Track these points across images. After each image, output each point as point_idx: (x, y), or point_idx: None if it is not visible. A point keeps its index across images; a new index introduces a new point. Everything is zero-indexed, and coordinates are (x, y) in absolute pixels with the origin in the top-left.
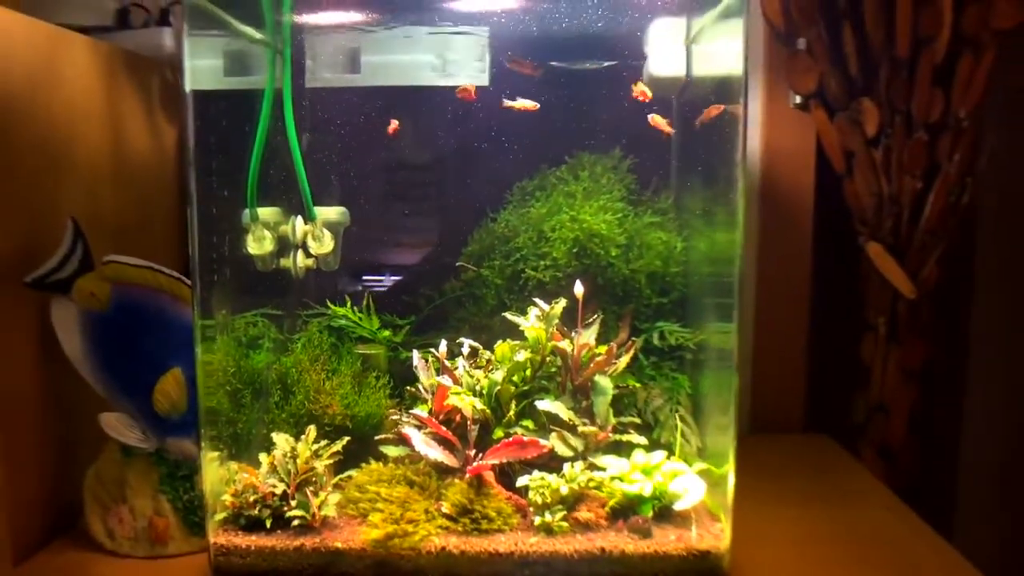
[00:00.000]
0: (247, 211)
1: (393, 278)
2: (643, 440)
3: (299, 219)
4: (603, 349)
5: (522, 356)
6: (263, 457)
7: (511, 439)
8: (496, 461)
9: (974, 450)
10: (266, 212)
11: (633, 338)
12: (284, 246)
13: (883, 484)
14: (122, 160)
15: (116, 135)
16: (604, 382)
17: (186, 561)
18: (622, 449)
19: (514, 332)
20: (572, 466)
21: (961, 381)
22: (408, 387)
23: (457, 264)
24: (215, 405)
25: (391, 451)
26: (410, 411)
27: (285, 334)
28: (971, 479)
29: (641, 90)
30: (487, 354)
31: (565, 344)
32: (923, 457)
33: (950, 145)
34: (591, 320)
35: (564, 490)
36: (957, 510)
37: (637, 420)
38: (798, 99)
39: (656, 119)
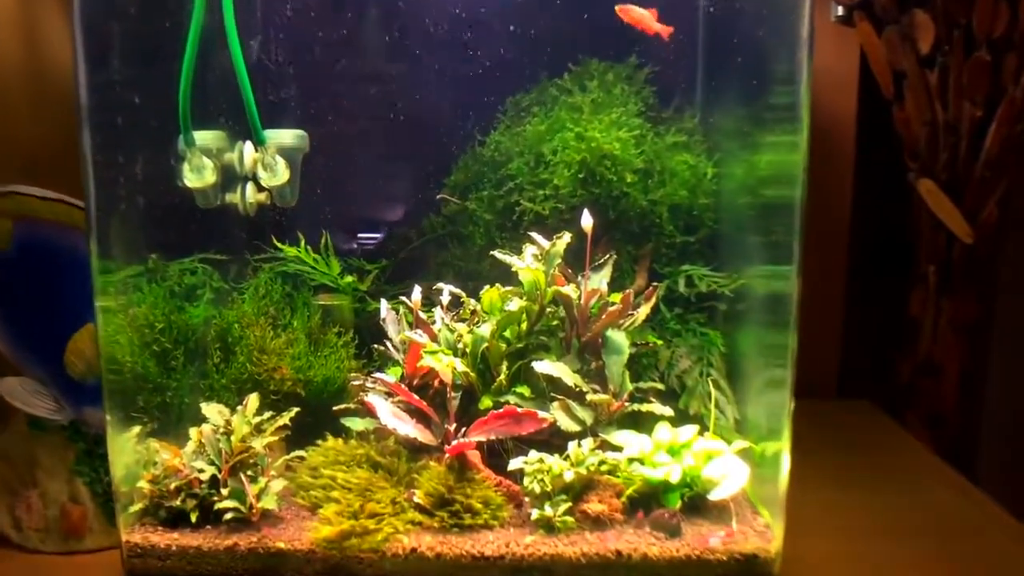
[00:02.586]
0: (181, 135)
1: (362, 216)
2: (668, 411)
3: (247, 145)
4: (617, 297)
5: (515, 305)
6: (192, 432)
7: (502, 410)
8: (483, 438)
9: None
10: (206, 137)
11: (654, 283)
12: (230, 178)
13: (944, 461)
14: (40, 77)
15: (33, 48)
16: (618, 338)
17: (104, 559)
18: (641, 422)
19: (507, 277)
20: (579, 445)
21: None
22: (376, 345)
23: (438, 196)
24: (140, 369)
25: (354, 424)
26: (376, 375)
27: (230, 283)
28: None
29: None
30: (472, 303)
31: (570, 290)
32: (974, 423)
33: (1016, 65)
34: (602, 261)
35: (569, 475)
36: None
37: (660, 386)
38: (840, 11)
39: (627, 9)
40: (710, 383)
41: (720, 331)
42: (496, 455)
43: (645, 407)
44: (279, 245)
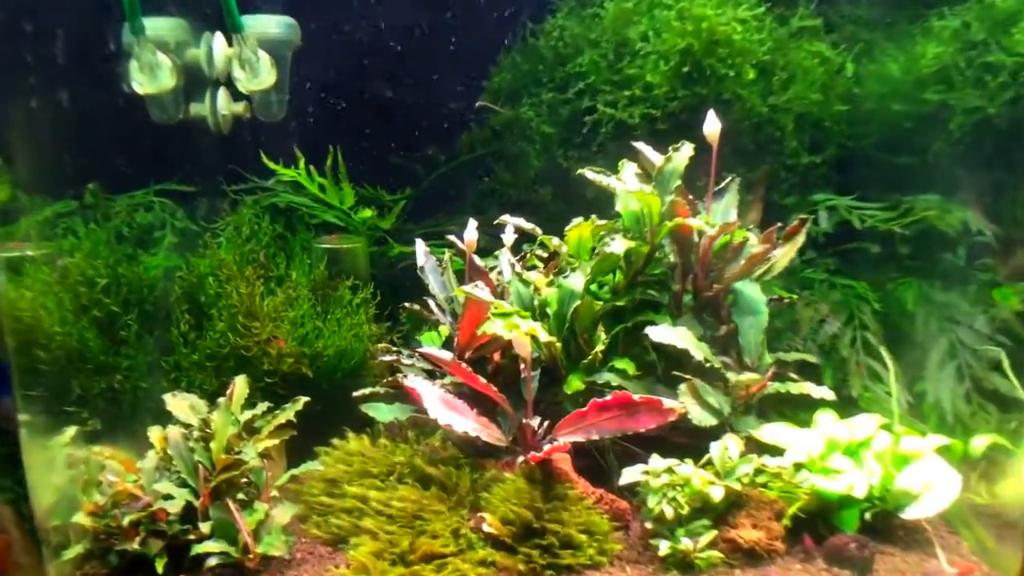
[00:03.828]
0: (127, 22)
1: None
2: (828, 393)
3: (218, 36)
4: (743, 235)
5: (620, 246)
6: (153, 436)
7: (610, 397)
8: (580, 438)
9: None
10: (161, 25)
11: (800, 216)
12: (195, 82)
13: None
14: None
15: None
16: (754, 293)
17: None
18: (766, 409)
19: (572, 210)
20: (725, 447)
21: None
22: (406, 304)
23: (477, 104)
24: (76, 343)
25: (380, 413)
26: (424, 349)
27: (199, 222)
28: None
29: None
30: (551, 243)
31: (701, 223)
32: None
33: None
34: (724, 184)
35: (718, 493)
36: None
37: (810, 357)
38: None
39: None
40: (885, 355)
41: (867, 282)
42: (584, 455)
43: (795, 388)
44: (273, 166)
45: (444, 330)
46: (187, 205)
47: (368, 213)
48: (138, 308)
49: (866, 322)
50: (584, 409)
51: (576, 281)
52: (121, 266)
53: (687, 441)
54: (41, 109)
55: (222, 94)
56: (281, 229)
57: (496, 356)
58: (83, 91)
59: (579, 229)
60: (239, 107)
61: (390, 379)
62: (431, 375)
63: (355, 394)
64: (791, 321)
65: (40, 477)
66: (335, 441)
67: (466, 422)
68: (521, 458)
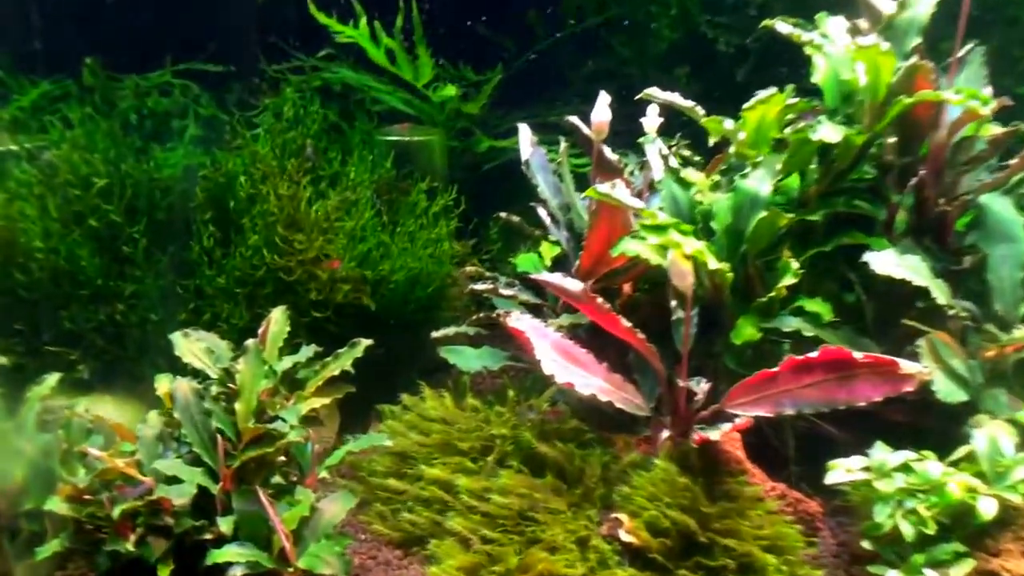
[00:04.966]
0: None
1: None
2: None
3: None
4: (989, 129)
5: (832, 132)
6: (161, 389)
7: (818, 354)
8: (767, 412)
9: None
10: None
11: None
12: None
13: None
14: None
15: None
16: (1008, 212)
17: None
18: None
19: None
20: (995, 439)
21: None
22: (501, 215)
23: None
24: (63, 263)
25: (465, 360)
26: (542, 275)
27: (230, 109)
28: None
29: None
30: (720, 127)
31: (959, 95)
32: None
33: None
34: (963, 54)
35: (990, 507)
36: None
37: None
38: None
39: None
40: None
41: None
42: (752, 434)
43: None
44: (326, 20)
45: (549, 250)
46: (215, 88)
47: (452, 91)
48: (148, 217)
49: None
50: (772, 369)
51: (760, 183)
52: (126, 163)
53: (906, 420)
54: None
55: None
56: (334, 117)
57: (625, 288)
58: None
59: (763, 108)
60: None
61: (480, 315)
62: (536, 311)
63: (433, 335)
64: None
65: (6, 443)
66: (406, 399)
67: (592, 381)
68: (666, 433)
